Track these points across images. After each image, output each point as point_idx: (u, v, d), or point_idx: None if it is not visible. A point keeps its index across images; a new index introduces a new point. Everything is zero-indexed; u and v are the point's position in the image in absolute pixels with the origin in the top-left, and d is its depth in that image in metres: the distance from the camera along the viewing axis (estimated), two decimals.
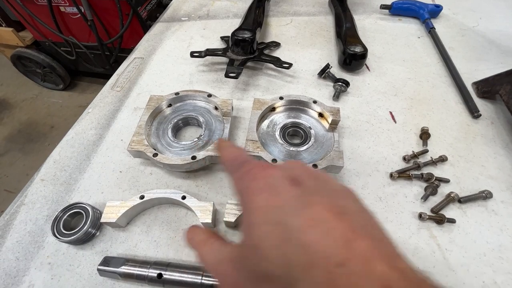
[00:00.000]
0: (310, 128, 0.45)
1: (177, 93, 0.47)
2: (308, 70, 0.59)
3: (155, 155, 0.40)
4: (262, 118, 0.46)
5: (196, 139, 0.44)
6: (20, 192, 0.42)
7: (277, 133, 0.44)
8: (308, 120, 0.46)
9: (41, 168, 0.44)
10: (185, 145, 0.43)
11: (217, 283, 0.19)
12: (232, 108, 0.47)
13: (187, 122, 0.48)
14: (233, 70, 0.50)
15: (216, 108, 0.47)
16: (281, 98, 0.47)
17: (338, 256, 0.13)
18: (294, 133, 0.46)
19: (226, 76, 0.49)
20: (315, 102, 0.46)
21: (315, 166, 0.38)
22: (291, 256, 0.14)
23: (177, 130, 0.47)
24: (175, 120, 0.46)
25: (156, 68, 0.59)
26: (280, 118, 0.47)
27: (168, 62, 0.60)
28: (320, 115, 0.46)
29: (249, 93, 0.54)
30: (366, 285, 0.12)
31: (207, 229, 0.23)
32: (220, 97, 0.47)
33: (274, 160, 0.39)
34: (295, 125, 0.46)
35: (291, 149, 0.43)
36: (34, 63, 1.84)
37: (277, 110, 0.48)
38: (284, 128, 0.45)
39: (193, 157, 0.40)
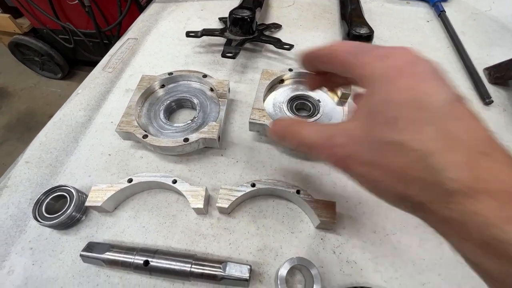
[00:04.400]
0: (319, 101, 0.43)
1: (170, 73, 0.45)
2: None
3: (145, 136, 0.37)
4: (270, 89, 0.45)
5: (190, 121, 0.41)
6: (3, 175, 0.39)
7: (284, 105, 0.43)
8: (317, 93, 0.45)
9: (26, 150, 0.42)
10: (178, 127, 0.41)
11: (323, 159, 0.21)
12: (229, 89, 0.44)
13: (180, 104, 0.45)
14: (230, 50, 0.47)
15: (211, 90, 0.44)
16: (290, 70, 0.45)
17: (482, 146, 0.15)
18: (302, 106, 0.45)
19: (223, 55, 0.47)
20: None
21: None
22: (430, 135, 0.15)
23: (170, 112, 0.45)
24: (168, 102, 0.43)
25: (150, 49, 0.56)
26: (288, 90, 0.45)
27: (162, 43, 0.57)
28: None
29: (247, 75, 0.51)
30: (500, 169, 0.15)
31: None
32: (216, 78, 0.44)
33: None
34: (304, 98, 0.44)
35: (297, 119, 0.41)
36: (32, 51, 1.81)
37: (286, 82, 0.46)
38: (292, 100, 0.44)
39: (186, 140, 0.37)
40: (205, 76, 0.44)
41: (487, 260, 0.14)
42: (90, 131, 0.44)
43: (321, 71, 0.26)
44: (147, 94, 0.43)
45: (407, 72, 0.17)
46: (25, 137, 1.76)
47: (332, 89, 0.29)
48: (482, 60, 0.55)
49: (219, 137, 0.39)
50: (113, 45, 0.56)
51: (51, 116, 0.46)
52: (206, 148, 0.41)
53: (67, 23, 1.52)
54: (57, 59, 1.83)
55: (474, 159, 0.15)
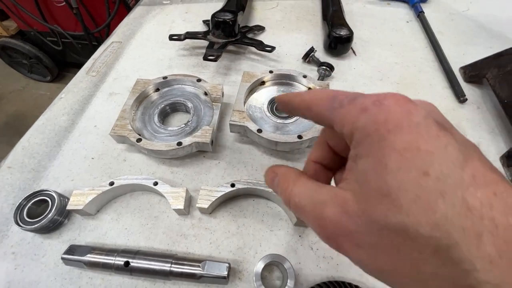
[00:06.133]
0: None
1: (165, 77, 0.45)
2: (292, 54, 0.57)
3: (139, 140, 0.38)
4: (251, 91, 0.46)
5: (184, 125, 0.42)
6: None
7: (264, 106, 0.44)
8: None
9: (8, 155, 0.42)
10: (172, 131, 0.41)
11: (313, 227, 0.16)
12: (223, 94, 0.45)
13: (175, 107, 0.46)
14: (212, 53, 0.48)
15: (205, 94, 0.45)
16: (270, 72, 0.46)
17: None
18: None
19: (205, 59, 0.47)
20: (305, 76, 0.46)
21: (299, 137, 0.38)
22: (449, 215, 0.11)
23: (164, 116, 0.45)
24: (162, 105, 0.44)
25: (135, 52, 0.57)
26: (269, 91, 0.46)
27: (147, 46, 0.58)
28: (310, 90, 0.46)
29: (230, 77, 0.52)
30: None
31: (297, 169, 0.20)
32: (210, 82, 0.45)
33: (259, 130, 0.38)
34: None
35: (278, 121, 0.42)
36: (19, 54, 1.79)
37: (267, 84, 0.47)
38: (272, 102, 0.45)
39: (179, 143, 0.38)
40: (199, 80, 0.45)
41: None
42: (73, 135, 0.44)
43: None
44: (141, 98, 0.44)
45: (400, 125, 0.13)
46: (14, 140, 1.71)
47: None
48: (459, 59, 0.56)
49: (212, 141, 0.40)
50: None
51: None
52: (199, 151, 0.41)
53: (54, 25, 1.50)
54: (45, 62, 1.81)
55: None
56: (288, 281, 0.28)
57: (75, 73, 0.48)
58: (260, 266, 0.29)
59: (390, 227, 0.12)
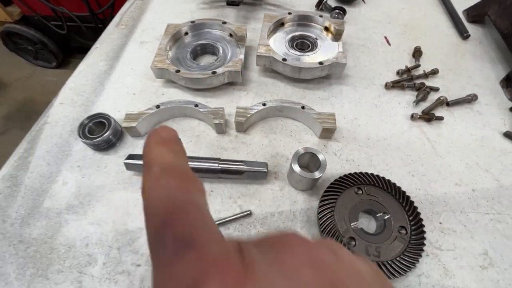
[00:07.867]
0: (316, 39, 0.49)
1: (192, 21, 0.50)
2: (306, 3, 0.60)
3: (177, 71, 0.43)
4: (272, 31, 0.50)
5: (214, 60, 0.47)
6: (42, 114, 0.45)
7: (286, 43, 0.48)
8: (315, 32, 0.50)
9: (58, 95, 0.47)
10: (204, 66, 0.46)
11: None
12: (246, 34, 0.49)
13: (204, 49, 0.50)
14: None
15: (230, 35, 0.50)
16: (289, 13, 0.50)
17: None
18: (302, 45, 0.49)
19: (228, 3, 0.51)
20: (321, 16, 0.50)
21: (320, 63, 0.42)
22: None
23: (195, 56, 0.49)
24: (193, 46, 0.48)
25: (157, 7, 0.60)
26: (288, 31, 0.51)
27: (168, 1, 0.62)
28: (326, 29, 0.50)
29: (250, 25, 0.56)
30: None
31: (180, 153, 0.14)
32: (234, 24, 0.49)
33: (284, 59, 0.43)
34: (303, 37, 0.49)
35: (298, 53, 0.47)
36: (24, 40, 1.81)
37: (286, 25, 0.51)
38: (292, 39, 0.49)
39: (213, 72, 0.42)
40: (224, 22, 0.49)
41: None
42: (113, 77, 0.49)
43: None
44: (174, 40, 0.49)
45: None
46: (26, 125, 1.77)
47: None
48: (463, 4, 0.60)
49: (241, 72, 0.44)
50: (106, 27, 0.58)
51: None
52: (230, 83, 0.46)
53: (60, 7, 1.52)
54: (50, 47, 1.83)
55: None
56: (320, 169, 0.33)
57: (81, 59, 0.52)
58: (299, 151, 0.34)
59: None
